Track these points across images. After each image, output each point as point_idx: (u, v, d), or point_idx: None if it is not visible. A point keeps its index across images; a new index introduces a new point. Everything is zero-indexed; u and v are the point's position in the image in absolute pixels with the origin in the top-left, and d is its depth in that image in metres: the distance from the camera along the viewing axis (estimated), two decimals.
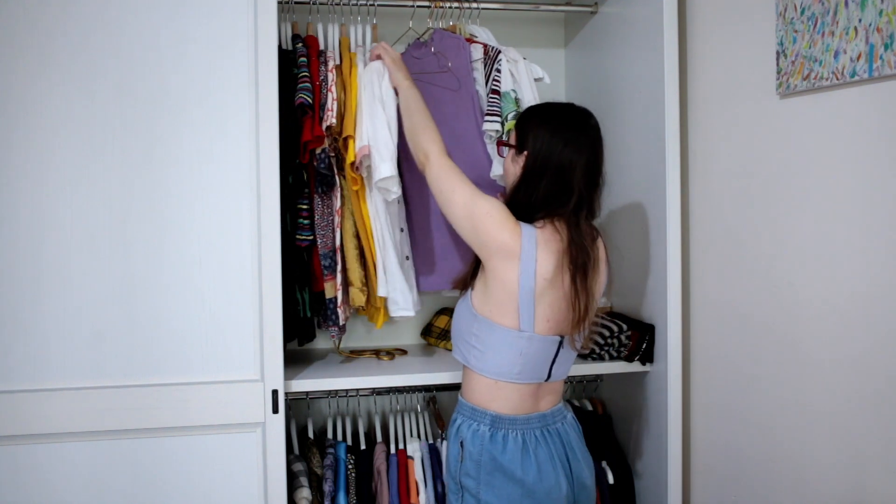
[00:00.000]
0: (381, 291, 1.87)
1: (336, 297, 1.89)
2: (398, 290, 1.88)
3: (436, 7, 2.01)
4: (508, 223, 1.48)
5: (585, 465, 1.59)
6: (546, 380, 1.55)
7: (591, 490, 1.60)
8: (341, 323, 1.91)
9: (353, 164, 1.79)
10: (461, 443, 1.55)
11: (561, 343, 1.53)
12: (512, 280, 1.46)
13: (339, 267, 1.89)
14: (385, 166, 1.75)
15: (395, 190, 1.79)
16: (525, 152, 1.54)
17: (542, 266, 1.46)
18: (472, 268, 1.60)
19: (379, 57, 1.82)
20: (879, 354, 1.31)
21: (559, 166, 1.49)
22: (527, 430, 1.53)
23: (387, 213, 1.88)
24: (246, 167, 1.66)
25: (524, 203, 1.53)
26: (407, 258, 2.02)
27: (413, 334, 2.30)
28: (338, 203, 1.88)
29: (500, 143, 1.73)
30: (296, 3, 1.97)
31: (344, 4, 1.98)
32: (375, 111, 1.78)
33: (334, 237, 1.89)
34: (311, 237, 1.88)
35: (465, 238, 1.55)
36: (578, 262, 1.48)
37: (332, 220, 1.90)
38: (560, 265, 1.48)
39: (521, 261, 1.45)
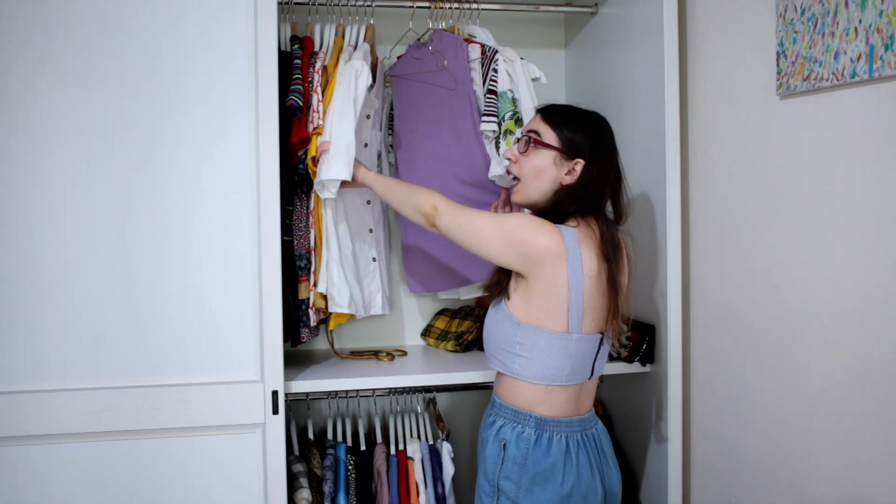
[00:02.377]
0: (320, 287, 1.85)
1: (309, 298, 1.88)
2: (334, 286, 1.85)
3: (435, 7, 2.01)
4: (544, 226, 1.48)
5: (615, 471, 1.60)
6: (589, 377, 1.57)
7: (619, 496, 1.61)
8: (312, 325, 1.90)
9: (314, 158, 1.76)
10: (503, 445, 1.53)
11: (601, 340, 1.55)
12: (561, 283, 1.46)
13: (312, 268, 1.88)
14: (341, 168, 1.69)
15: (333, 192, 1.74)
16: (579, 160, 1.53)
17: (587, 265, 1.47)
18: (505, 273, 1.57)
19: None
20: (880, 354, 1.31)
21: (614, 178, 1.56)
22: (570, 433, 1.52)
23: (334, 209, 1.86)
24: (246, 167, 1.65)
25: (563, 209, 1.54)
26: (374, 259, 2.02)
27: (413, 335, 2.30)
28: (313, 204, 1.88)
29: (536, 141, 1.59)
30: (295, 3, 1.97)
31: (343, 5, 1.97)
32: (346, 109, 1.73)
33: (309, 238, 1.89)
34: (291, 238, 1.89)
35: (505, 263, 1.52)
36: (609, 256, 1.49)
37: (308, 220, 1.89)
38: (601, 260, 1.49)
39: (568, 262, 1.45)
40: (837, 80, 1.36)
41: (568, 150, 1.55)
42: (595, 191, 1.54)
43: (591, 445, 1.55)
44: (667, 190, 1.81)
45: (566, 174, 1.54)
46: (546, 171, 1.56)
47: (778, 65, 1.52)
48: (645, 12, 1.89)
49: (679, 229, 1.83)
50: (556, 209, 1.54)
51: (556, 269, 1.46)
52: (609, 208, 1.60)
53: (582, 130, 1.56)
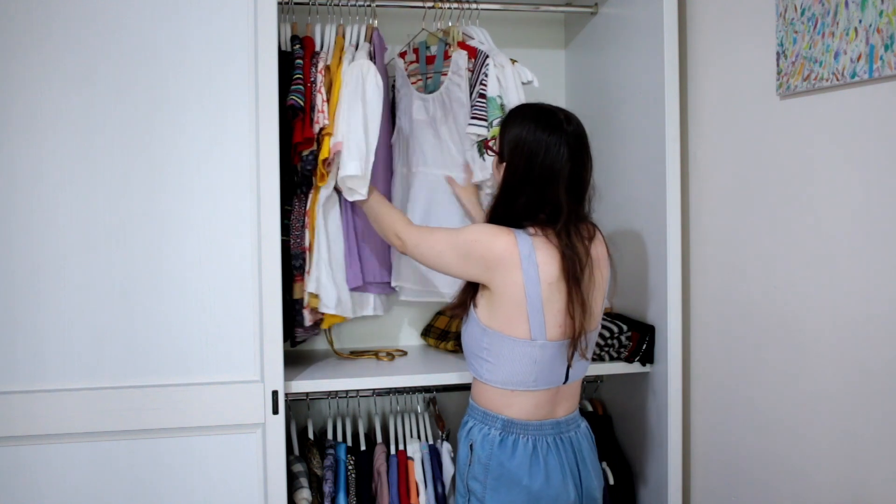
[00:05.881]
0: (309, 287, 1.85)
1: (303, 298, 1.88)
2: (322, 286, 1.85)
3: (435, 7, 2.01)
4: (500, 233, 1.47)
5: (595, 476, 1.58)
6: (564, 382, 1.54)
7: (599, 501, 1.59)
8: (307, 324, 1.90)
9: (325, 160, 1.76)
10: (471, 446, 1.53)
11: (575, 345, 1.50)
12: (518, 289, 1.45)
13: (307, 268, 1.87)
14: (352, 164, 1.71)
15: (362, 192, 1.75)
16: (503, 164, 1.52)
17: (544, 270, 1.45)
18: (470, 291, 1.57)
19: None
20: (880, 354, 1.31)
21: (540, 180, 1.46)
22: (539, 437, 1.51)
23: (325, 210, 1.86)
24: (246, 167, 1.65)
25: (504, 217, 1.51)
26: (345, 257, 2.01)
27: (413, 335, 2.30)
28: (309, 204, 1.87)
29: (486, 143, 1.70)
30: (296, 3, 1.96)
31: (343, 5, 1.97)
32: (354, 108, 1.74)
33: (304, 238, 1.88)
34: (289, 237, 1.89)
35: (470, 277, 1.53)
36: (571, 273, 1.45)
37: (305, 220, 1.89)
38: (560, 270, 1.46)
39: (522, 269, 1.44)
40: (837, 80, 1.36)
41: (500, 154, 1.55)
42: (510, 199, 1.49)
43: (566, 449, 1.53)
44: (667, 190, 1.81)
45: (500, 179, 1.54)
46: (495, 177, 1.60)
47: (778, 65, 1.52)
48: (645, 12, 1.89)
49: (679, 229, 1.83)
50: (507, 216, 1.51)
51: (513, 276, 1.45)
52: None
53: (507, 129, 1.53)
